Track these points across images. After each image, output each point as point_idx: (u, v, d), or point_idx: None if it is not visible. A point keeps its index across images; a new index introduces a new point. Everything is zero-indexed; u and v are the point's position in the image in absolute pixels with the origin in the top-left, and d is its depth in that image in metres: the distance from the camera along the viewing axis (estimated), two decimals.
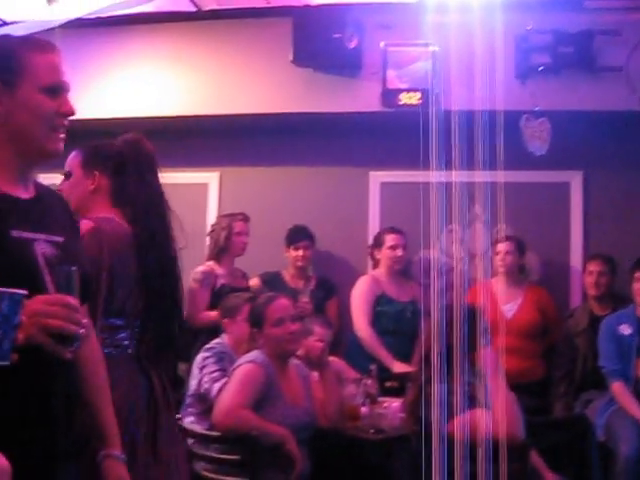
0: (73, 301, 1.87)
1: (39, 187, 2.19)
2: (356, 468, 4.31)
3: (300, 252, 6.32)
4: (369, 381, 4.95)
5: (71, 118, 2.15)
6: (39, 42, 2.13)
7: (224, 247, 6.04)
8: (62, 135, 2.12)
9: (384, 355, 5.69)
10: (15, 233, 1.98)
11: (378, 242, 6.20)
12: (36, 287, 1.92)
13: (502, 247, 6.03)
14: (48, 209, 2.17)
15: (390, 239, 6.10)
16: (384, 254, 6.13)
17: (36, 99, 2.06)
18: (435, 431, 3.72)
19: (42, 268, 1.98)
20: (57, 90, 2.10)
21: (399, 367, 5.60)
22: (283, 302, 4.42)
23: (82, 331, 1.88)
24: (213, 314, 5.56)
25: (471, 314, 4.11)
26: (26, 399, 1.95)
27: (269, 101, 6.34)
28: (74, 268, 1.92)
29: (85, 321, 1.91)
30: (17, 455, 1.86)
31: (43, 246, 2.03)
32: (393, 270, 6.10)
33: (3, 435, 1.88)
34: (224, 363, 4.66)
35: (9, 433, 1.91)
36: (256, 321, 4.39)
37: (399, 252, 6.07)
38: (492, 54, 5.80)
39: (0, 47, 2.10)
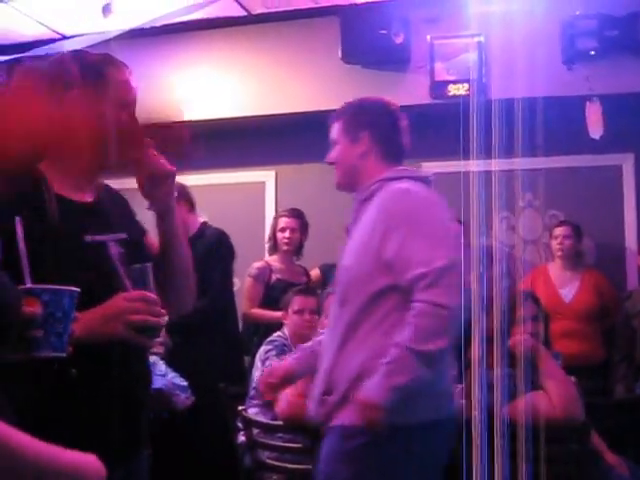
0: (151, 295, 2.01)
1: (98, 187, 2.30)
2: None
3: None
4: None
5: None
6: (116, 60, 2.25)
7: (273, 243, 6.14)
8: (129, 148, 2.24)
9: None
10: (88, 238, 2.11)
11: None
12: (115, 286, 2.07)
13: (559, 231, 6.04)
14: (110, 209, 2.29)
15: None
16: None
17: (112, 112, 2.18)
18: (495, 415, 3.78)
19: (118, 267, 2.12)
20: (129, 106, 2.23)
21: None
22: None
23: (163, 321, 2.02)
24: (267, 314, 5.71)
25: (527, 299, 4.13)
26: (109, 393, 2.09)
27: (320, 99, 6.43)
28: (148, 264, 2.07)
29: (164, 312, 2.04)
30: (103, 441, 2.01)
31: (113, 246, 2.16)
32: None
33: (90, 424, 2.04)
34: (286, 355, 4.77)
35: (97, 422, 2.06)
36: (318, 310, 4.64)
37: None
38: (538, 41, 5.82)
39: (83, 60, 2.22)
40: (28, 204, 2.01)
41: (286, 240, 6.05)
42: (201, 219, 5.53)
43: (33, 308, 1.67)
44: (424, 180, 3.14)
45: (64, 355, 1.74)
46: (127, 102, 2.22)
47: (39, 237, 1.96)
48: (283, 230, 6.07)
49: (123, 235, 2.23)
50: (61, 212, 2.06)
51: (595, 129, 5.65)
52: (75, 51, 2.29)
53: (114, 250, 2.16)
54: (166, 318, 2.07)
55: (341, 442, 2.91)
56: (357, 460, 2.85)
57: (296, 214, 6.17)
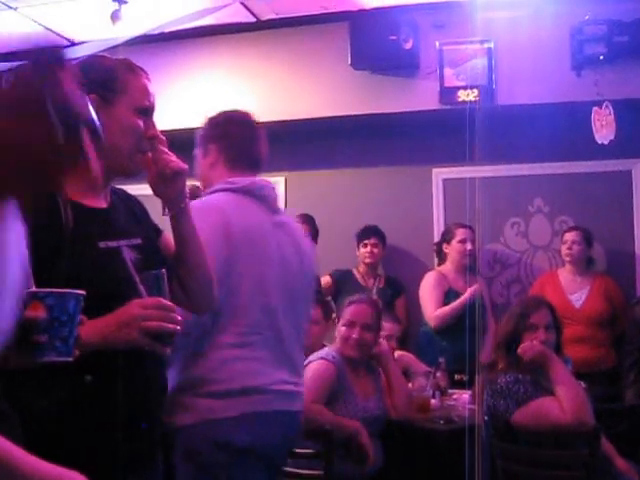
0: (166, 302, 2.02)
1: (112, 192, 2.31)
2: (427, 459, 4.37)
3: (368, 249, 6.41)
4: (438, 373, 5.02)
5: None
6: (134, 66, 2.27)
7: None
8: (147, 156, 2.25)
9: (462, 300, 5.80)
10: (102, 244, 2.12)
11: (447, 236, 6.23)
12: (130, 292, 2.08)
13: (569, 237, 6.02)
14: (123, 213, 2.30)
15: (460, 233, 6.11)
16: (454, 247, 6.15)
17: (129, 118, 2.20)
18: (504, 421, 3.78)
19: (133, 274, 2.12)
20: (147, 112, 2.24)
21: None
22: (361, 308, 4.47)
23: (178, 328, 2.02)
24: None
25: (542, 306, 4.13)
26: (126, 400, 2.09)
27: (330, 105, 6.45)
28: (163, 270, 2.07)
29: (180, 318, 2.04)
30: (119, 449, 2.05)
31: (127, 252, 2.17)
32: (461, 264, 6.10)
33: (106, 432, 2.05)
34: None
35: (115, 418, 2.07)
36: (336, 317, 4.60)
37: (468, 246, 6.08)
38: (547, 47, 5.83)
39: (102, 66, 2.23)
40: (43, 211, 2.01)
41: None
42: None
43: (37, 312, 1.66)
44: (238, 190, 3.05)
45: (70, 359, 1.73)
46: (145, 107, 2.23)
47: (54, 244, 1.97)
48: None
49: (137, 240, 2.23)
50: (75, 218, 2.06)
51: (602, 134, 5.63)
52: (93, 56, 2.30)
53: (128, 255, 2.17)
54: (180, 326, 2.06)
55: None
56: None
57: (306, 219, 6.17)
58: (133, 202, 2.43)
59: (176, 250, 2.35)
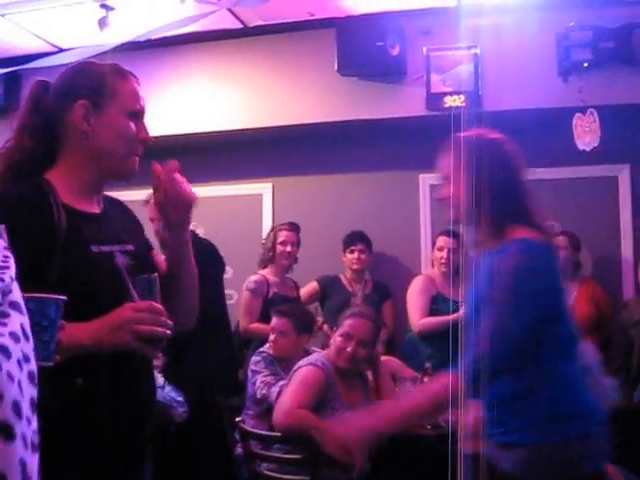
0: (158, 306, 2.03)
1: (104, 199, 2.32)
2: (413, 464, 4.37)
3: (355, 255, 6.40)
4: (425, 379, 5.02)
5: None
6: (124, 70, 2.28)
7: (271, 256, 6.13)
8: (137, 159, 2.27)
9: (453, 319, 5.65)
10: (95, 248, 2.13)
11: (434, 243, 6.23)
12: (122, 296, 2.09)
13: (557, 241, 6.04)
14: (116, 220, 2.32)
15: (439, 241, 6.10)
16: (435, 255, 6.17)
17: (120, 122, 2.21)
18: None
19: (126, 277, 2.14)
20: (138, 115, 2.26)
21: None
22: (361, 322, 4.47)
23: (169, 332, 2.04)
24: (267, 328, 5.70)
25: None
26: (116, 403, 2.11)
27: (317, 111, 6.46)
28: (155, 275, 2.08)
29: (170, 323, 2.05)
30: (108, 447, 2.05)
31: (120, 257, 2.19)
32: (441, 271, 6.11)
33: (96, 435, 2.06)
34: (275, 367, 4.80)
35: (100, 424, 2.07)
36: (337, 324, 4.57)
37: (445, 254, 6.05)
38: (533, 53, 5.86)
39: (92, 72, 2.25)
40: (36, 214, 2.03)
41: (287, 254, 6.09)
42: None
43: None
44: None
45: (51, 364, 1.73)
46: (135, 112, 2.25)
47: (46, 246, 1.99)
48: (284, 244, 6.10)
49: (130, 247, 2.25)
50: (68, 222, 2.08)
51: (585, 141, 5.66)
52: (83, 62, 2.32)
53: (121, 260, 2.18)
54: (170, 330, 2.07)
55: None
56: None
57: (295, 228, 6.22)
58: (128, 213, 2.45)
59: (169, 267, 2.36)
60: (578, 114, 5.66)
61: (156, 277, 2.08)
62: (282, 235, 6.16)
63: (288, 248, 6.10)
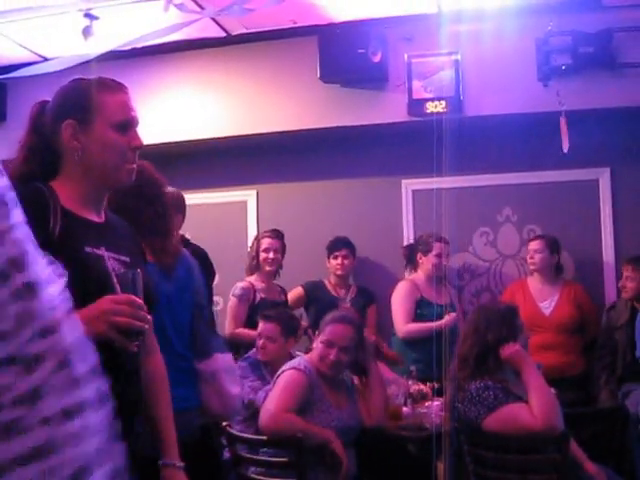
0: (138, 300, 2.06)
1: (108, 214, 2.39)
2: (399, 466, 4.41)
3: (339, 260, 6.45)
4: (410, 382, 5.06)
5: None
6: (109, 83, 2.33)
7: (256, 263, 6.20)
8: (133, 166, 2.32)
9: (430, 326, 5.64)
10: (88, 249, 2.18)
11: (423, 247, 6.21)
12: (106, 290, 2.12)
13: (532, 246, 6.13)
14: (117, 233, 2.37)
15: (437, 247, 6.11)
16: (430, 260, 6.15)
17: (108, 135, 2.25)
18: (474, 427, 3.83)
19: (113, 278, 2.17)
20: (127, 126, 2.29)
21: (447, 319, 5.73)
22: (343, 329, 4.45)
23: (146, 327, 2.06)
24: (252, 333, 5.73)
25: (505, 313, 4.17)
26: None
27: (300, 118, 6.50)
28: (138, 271, 2.12)
29: (149, 317, 2.08)
30: None
31: (112, 262, 2.22)
32: (432, 276, 6.15)
33: None
34: (261, 371, 4.84)
35: None
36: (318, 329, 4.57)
37: (444, 261, 6.12)
38: (513, 58, 5.91)
39: (76, 89, 2.30)
40: (31, 212, 2.07)
41: (270, 260, 6.14)
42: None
43: None
44: None
45: None
46: (122, 122, 2.29)
47: (39, 243, 2.02)
48: (267, 251, 6.16)
49: (126, 258, 2.30)
50: (67, 225, 2.14)
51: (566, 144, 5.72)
52: (72, 81, 2.35)
53: (111, 265, 2.22)
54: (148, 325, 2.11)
55: None
56: None
57: (278, 235, 6.29)
58: (130, 230, 2.51)
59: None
60: (562, 118, 5.71)
61: (139, 273, 2.11)
62: (265, 242, 6.23)
63: (271, 255, 6.17)
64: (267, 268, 6.17)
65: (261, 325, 4.99)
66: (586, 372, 5.93)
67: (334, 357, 4.34)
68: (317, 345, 4.43)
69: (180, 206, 4.35)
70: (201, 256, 5.27)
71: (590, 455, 4.11)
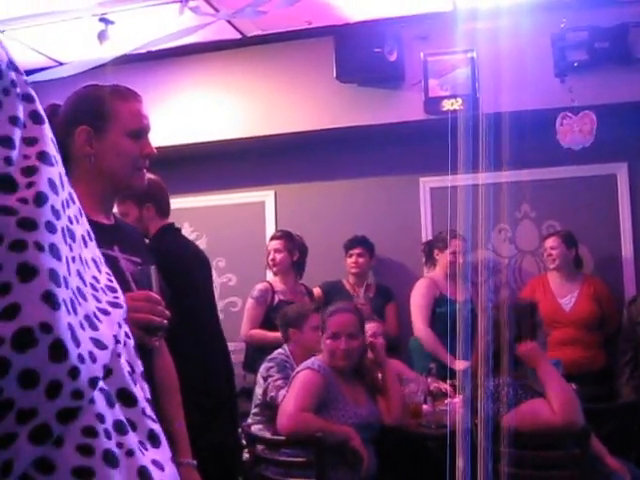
0: (155, 295, 2.08)
1: (116, 217, 2.44)
2: (420, 464, 4.41)
3: (353, 259, 6.47)
4: (430, 379, 5.06)
5: None
6: (124, 91, 2.37)
7: (268, 264, 6.24)
8: (144, 172, 2.37)
9: (444, 354, 5.67)
10: (101, 250, 2.19)
11: (441, 244, 6.25)
12: (122, 287, 2.13)
13: (549, 242, 6.11)
14: (126, 234, 2.41)
15: (454, 245, 6.15)
16: (446, 257, 6.18)
17: (122, 143, 2.30)
18: (493, 424, 3.82)
19: (128, 277, 2.20)
20: (140, 134, 2.34)
21: (460, 365, 5.67)
22: (344, 317, 4.49)
23: (165, 322, 2.08)
24: (267, 334, 5.75)
25: (525, 309, 4.17)
26: None
27: (317, 118, 6.51)
28: (153, 267, 2.14)
29: (167, 313, 2.10)
30: None
31: (125, 263, 2.26)
32: (450, 273, 6.15)
33: None
34: (287, 371, 4.82)
35: None
36: (321, 328, 4.59)
37: (460, 259, 6.14)
38: (529, 55, 5.90)
39: (91, 96, 2.34)
40: None
41: (271, 262, 6.18)
42: (167, 222, 4.38)
43: None
44: None
45: None
46: (136, 131, 2.33)
47: None
48: (271, 252, 6.19)
49: (137, 259, 2.33)
50: None
51: (575, 140, 5.70)
52: (85, 87, 2.39)
53: (125, 265, 2.24)
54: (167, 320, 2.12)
55: None
56: None
57: (281, 235, 6.31)
58: (138, 233, 2.60)
59: None
60: (562, 114, 5.71)
61: (154, 269, 2.13)
62: (271, 244, 6.28)
63: (276, 256, 6.17)
64: (274, 269, 6.20)
65: (318, 318, 4.94)
66: (607, 367, 5.90)
67: (344, 346, 4.36)
68: (325, 343, 4.44)
69: (150, 195, 4.00)
70: (162, 252, 4.95)
71: (612, 450, 4.09)
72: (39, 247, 0.90)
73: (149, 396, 1.37)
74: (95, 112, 2.29)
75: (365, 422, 4.25)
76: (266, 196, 7.31)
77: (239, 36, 6.40)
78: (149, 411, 1.31)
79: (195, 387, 4.86)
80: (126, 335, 1.34)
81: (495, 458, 3.85)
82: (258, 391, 4.89)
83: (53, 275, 0.90)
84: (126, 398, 1.07)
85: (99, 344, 0.98)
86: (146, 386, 1.37)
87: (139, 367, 1.36)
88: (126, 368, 1.11)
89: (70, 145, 2.29)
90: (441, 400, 4.94)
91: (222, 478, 4.62)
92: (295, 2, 4.95)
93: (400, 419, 4.54)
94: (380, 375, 4.65)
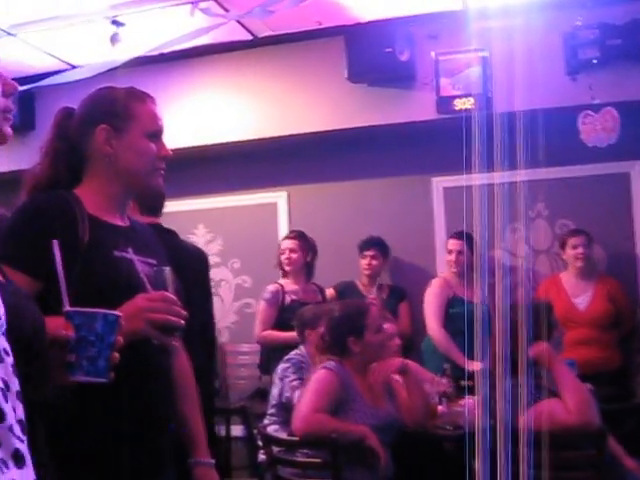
0: (170, 296, 2.08)
1: (132, 218, 2.44)
2: (436, 465, 4.40)
3: (367, 260, 6.48)
4: (444, 380, 5.04)
5: None
6: (141, 93, 2.38)
7: (280, 265, 6.24)
8: (161, 174, 2.36)
9: (457, 355, 5.67)
10: (117, 253, 2.21)
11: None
12: (138, 289, 2.14)
13: (576, 241, 6.03)
14: (142, 236, 2.41)
15: (449, 244, 6.23)
16: (446, 258, 6.26)
17: (142, 143, 2.30)
18: (510, 424, 3.81)
19: (144, 279, 2.19)
20: (157, 135, 2.34)
21: (474, 365, 5.65)
22: (377, 310, 4.54)
23: (182, 322, 2.08)
24: (281, 335, 5.76)
25: (539, 309, 4.15)
26: (134, 401, 2.15)
27: (329, 118, 6.51)
28: (168, 268, 2.14)
29: (184, 313, 2.10)
30: (127, 454, 2.10)
31: (140, 265, 2.25)
32: (456, 272, 6.18)
33: (114, 434, 2.11)
34: (303, 372, 4.81)
35: (119, 431, 2.12)
36: (355, 329, 4.40)
37: (453, 257, 6.17)
38: (541, 53, 5.87)
39: (109, 97, 2.35)
40: (61, 222, 2.12)
41: (287, 261, 6.16)
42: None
43: (67, 331, 1.70)
44: None
45: (103, 380, 1.74)
46: (154, 132, 2.33)
47: (70, 250, 2.04)
48: (282, 252, 6.19)
49: (153, 260, 2.32)
50: (93, 230, 2.18)
51: (598, 138, 5.68)
52: (102, 88, 2.40)
53: (141, 267, 2.24)
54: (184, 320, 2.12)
55: None
56: None
57: (294, 235, 6.32)
58: (155, 236, 2.55)
59: None
60: (584, 112, 5.68)
61: (169, 270, 2.13)
62: (285, 243, 6.28)
63: (288, 256, 6.18)
64: (287, 269, 6.21)
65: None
66: (622, 367, 5.89)
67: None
68: (370, 339, 4.38)
69: None
70: (194, 252, 4.80)
71: (629, 451, 4.08)
72: None
73: (22, 417, 1.36)
74: (114, 112, 2.30)
75: (383, 423, 4.20)
76: (279, 197, 7.31)
77: (250, 37, 6.41)
78: (18, 431, 1.30)
79: None
80: (4, 352, 1.33)
81: (511, 459, 3.84)
82: (274, 392, 4.89)
83: None
84: None
85: None
86: (21, 406, 1.36)
87: (15, 385, 1.35)
88: None
89: (87, 145, 2.30)
90: (456, 401, 4.92)
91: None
92: (302, 1, 4.95)
93: (422, 422, 4.51)
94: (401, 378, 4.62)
